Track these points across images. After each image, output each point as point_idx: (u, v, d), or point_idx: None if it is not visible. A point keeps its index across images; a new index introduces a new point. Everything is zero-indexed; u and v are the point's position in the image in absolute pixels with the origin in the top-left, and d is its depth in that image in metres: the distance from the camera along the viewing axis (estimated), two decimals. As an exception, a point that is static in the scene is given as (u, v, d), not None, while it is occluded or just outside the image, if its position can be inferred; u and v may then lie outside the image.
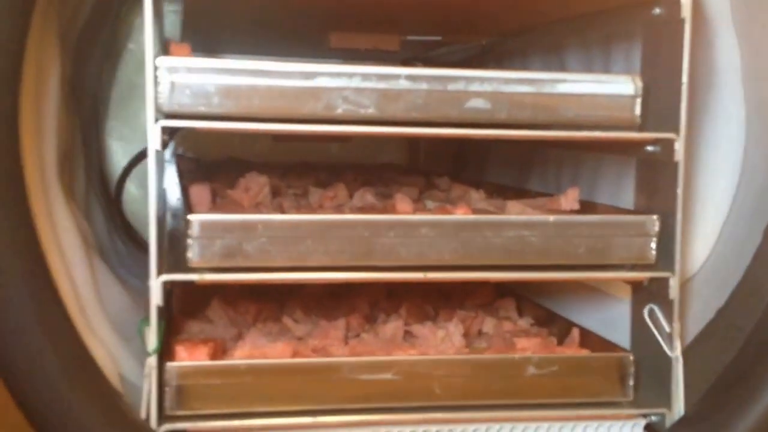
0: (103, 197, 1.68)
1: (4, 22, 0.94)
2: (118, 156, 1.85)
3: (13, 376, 1.01)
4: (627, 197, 1.28)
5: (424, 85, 1.07)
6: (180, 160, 1.80)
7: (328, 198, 1.29)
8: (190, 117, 1.03)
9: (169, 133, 1.06)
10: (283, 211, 1.22)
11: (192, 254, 1.05)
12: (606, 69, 1.35)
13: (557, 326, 1.31)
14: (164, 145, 1.05)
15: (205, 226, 1.04)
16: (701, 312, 1.23)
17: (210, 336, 1.22)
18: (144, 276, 1.24)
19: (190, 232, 1.04)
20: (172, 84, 1.02)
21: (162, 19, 1.37)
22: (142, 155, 1.78)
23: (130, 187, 1.83)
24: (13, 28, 0.95)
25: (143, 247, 1.73)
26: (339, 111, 1.06)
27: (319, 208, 1.27)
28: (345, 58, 1.63)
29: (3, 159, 0.96)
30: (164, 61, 1.02)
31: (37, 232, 1.02)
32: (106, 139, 1.84)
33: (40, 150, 1.12)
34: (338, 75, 1.06)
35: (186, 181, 1.37)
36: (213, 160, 1.87)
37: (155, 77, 1.02)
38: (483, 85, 1.08)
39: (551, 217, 1.12)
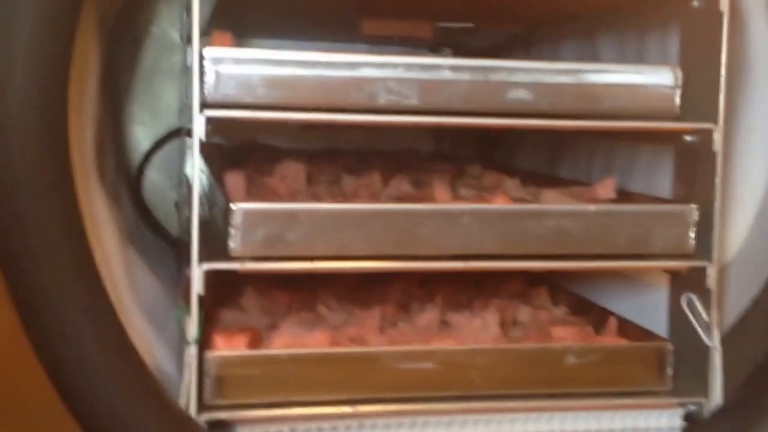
0: (127, 183, 1.70)
1: (56, 15, 0.96)
2: (139, 141, 1.86)
3: (57, 364, 1.03)
4: (661, 186, 1.30)
5: (466, 76, 1.10)
6: (202, 145, 1.81)
7: (362, 185, 1.31)
8: (235, 107, 1.06)
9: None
10: (318, 199, 1.25)
11: (234, 243, 1.07)
12: (640, 59, 1.37)
13: (592, 315, 1.33)
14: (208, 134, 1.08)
15: (247, 215, 1.07)
16: (738, 300, 1.25)
17: (244, 325, 1.24)
18: (165, 262, 1.25)
19: (232, 220, 1.07)
20: (218, 74, 1.05)
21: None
22: (162, 141, 1.80)
23: (150, 173, 1.84)
24: (64, 21, 0.97)
25: (162, 234, 1.76)
26: (382, 101, 1.08)
27: (354, 196, 1.29)
28: (374, 44, 1.65)
29: (53, 146, 0.99)
30: (210, 51, 1.05)
31: (82, 218, 1.04)
32: (128, 125, 1.85)
33: (81, 136, 1.15)
34: (382, 65, 1.08)
35: (214, 168, 1.39)
36: (237, 146, 1.89)
37: (201, 67, 1.04)
38: (525, 76, 1.11)
39: (592, 207, 1.15)
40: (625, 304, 1.34)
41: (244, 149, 1.82)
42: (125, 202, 1.56)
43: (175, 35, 1.76)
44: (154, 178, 1.85)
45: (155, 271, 1.40)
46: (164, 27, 1.81)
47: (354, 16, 1.50)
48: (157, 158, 1.82)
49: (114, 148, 1.51)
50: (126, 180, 1.73)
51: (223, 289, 1.36)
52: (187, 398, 1.08)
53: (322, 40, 1.80)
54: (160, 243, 1.72)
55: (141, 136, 1.86)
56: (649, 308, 1.30)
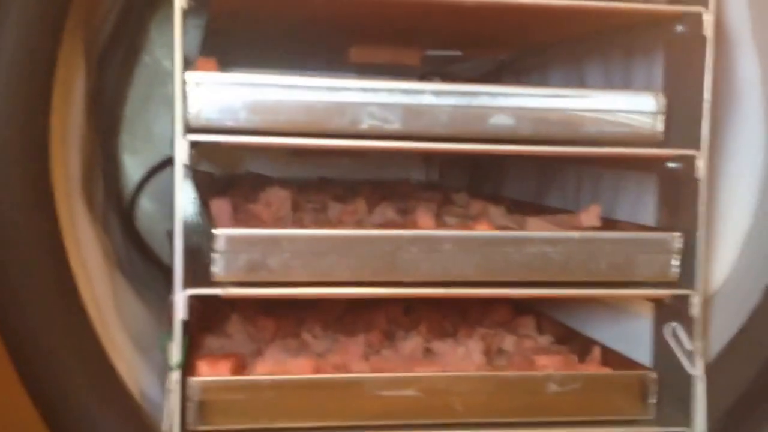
0: (119, 211, 1.70)
1: (37, 39, 0.97)
2: (131, 170, 1.87)
3: (39, 391, 1.03)
4: (647, 214, 1.30)
5: (448, 101, 1.10)
6: (194, 173, 1.82)
7: (347, 213, 1.31)
8: (218, 131, 1.06)
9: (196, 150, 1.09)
10: (303, 226, 1.25)
11: (217, 268, 1.07)
12: (626, 85, 1.38)
13: (578, 344, 1.33)
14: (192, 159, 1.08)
15: (230, 240, 1.07)
16: (724, 329, 1.25)
17: (229, 351, 1.24)
18: (158, 290, 1.26)
19: (215, 246, 1.07)
20: (200, 98, 1.05)
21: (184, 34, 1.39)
22: (156, 169, 1.80)
23: (143, 202, 1.85)
24: (45, 45, 0.98)
25: (156, 262, 1.76)
26: (364, 126, 1.09)
27: (339, 223, 1.29)
28: (363, 72, 1.66)
29: (34, 172, 0.99)
30: (193, 75, 1.05)
31: (64, 244, 1.05)
32: (119, 153, 1.86)
33: (65, 163, 1.15)
34: (364, 90, 1.09)
35: (203, 195, 1.39)
36: (228, 175, 1.89)
37: (184, 92, 1.05)
38: (507, 101, 1.11)
39: (574, 234, 1.15)
40: (610, 334, 1.34)
41: (234, 177, 1.84)
42: (116, 230, 1.56)
43: (168, 64, 1.76)
44: (148, 207, 1.85)
45: (147, 300, 1.41)
46: (157, 56, 1.82)
47: (342, 44, 1.51)
48: (151, 187, 1.83)
49: (104, 176, 1.51)
50: (118, 208, 1.74)
51: (210, 317, 1.36)
52: (170, 424, 1.07)
53: (311, 69, 1.81)
54: (153, 272, 1.73)
55: (134, 164, 1.87)
56: (634, 337, 1.30)
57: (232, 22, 1.34)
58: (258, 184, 1.42)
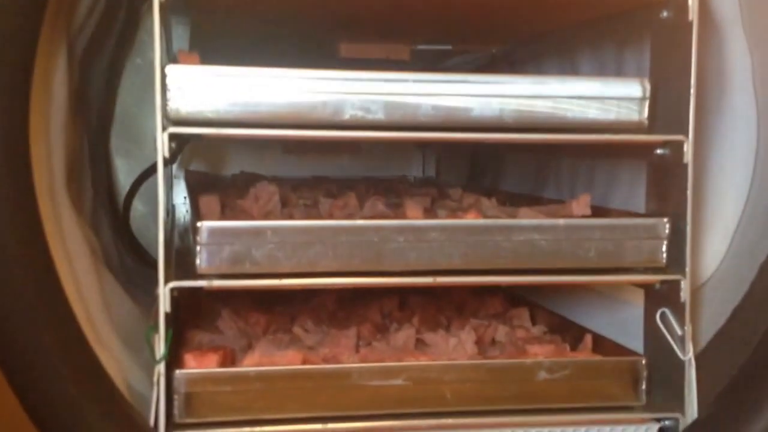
0: (110, 213, 1.73)
1: (15, 30, 1.00)
2: (124, 172, 1.90)
3: (24, 385, 1.06)
4: (640, 203, 1.33)
5: (431, 90, 1.13)
6: (189, 174, 1.86)
7: (338, 207, 1.34)
8: (198, 124, 1.10)
9: (177, 143, 1.12)
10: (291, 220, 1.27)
11: (200, 261, 1.10)
12: (619, 73, 1.41)
13: (571, 333, 1.36)
14: (173, 154, 1.10)
15: (213, 232, 1.10)
16: (716, 316, 1.28)
17: (218, 345, 1.27)
18: (150, 291, 1.29)
19: (198, 238, 1.10)
20: (181, 92, 1.08)
21: (170, 30, 1.43)
22: (149, 172, 1.84)
23: (137, 205, 1.88)
24: (24, 37, 1.01)
25: (150, 263, 1.79)
26: (346, 117, 1.12)
27: (330, 218, 1.32)
28: (355, 69, 1.69)
29: (14, 168, 1.02)
30: (173, 69, 1.09)
31: (47, 240, 1.08)
32: (112, 156, 1.89)
33: (48, 161, 1.18)
34: (345, 80, 1.12)
35: (196, 193, 1.42)
36: (223, 174, 1.92)
37: (164, 85, 1.08)
38: (491, 89, 1.14)
39: (561, 221, 1.18)
40: (605, 323, 1.37)
41: (229, 177, 1.87)
42: (105, 229, 1.59)
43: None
44: (141, 209, 1.89)
45: (138, 299, 1.43)
46: (149, 58, 1.85)
47: (332, 40, 1.54)
48: (145, 190, 1.86)
49: (93, 175, 1.54)
50: (109, 208, 1.77)
51: (204, 312, 1.39)
52: (156, 417, 1.10)
53: (303, 66, 1.83)
54: (146, 273, 1.75)
55: (127, 167, 1.90)
56: (628, 325, 1.32)
57: (217, 19, 1.37)
58: (252, 182, 1.45)
